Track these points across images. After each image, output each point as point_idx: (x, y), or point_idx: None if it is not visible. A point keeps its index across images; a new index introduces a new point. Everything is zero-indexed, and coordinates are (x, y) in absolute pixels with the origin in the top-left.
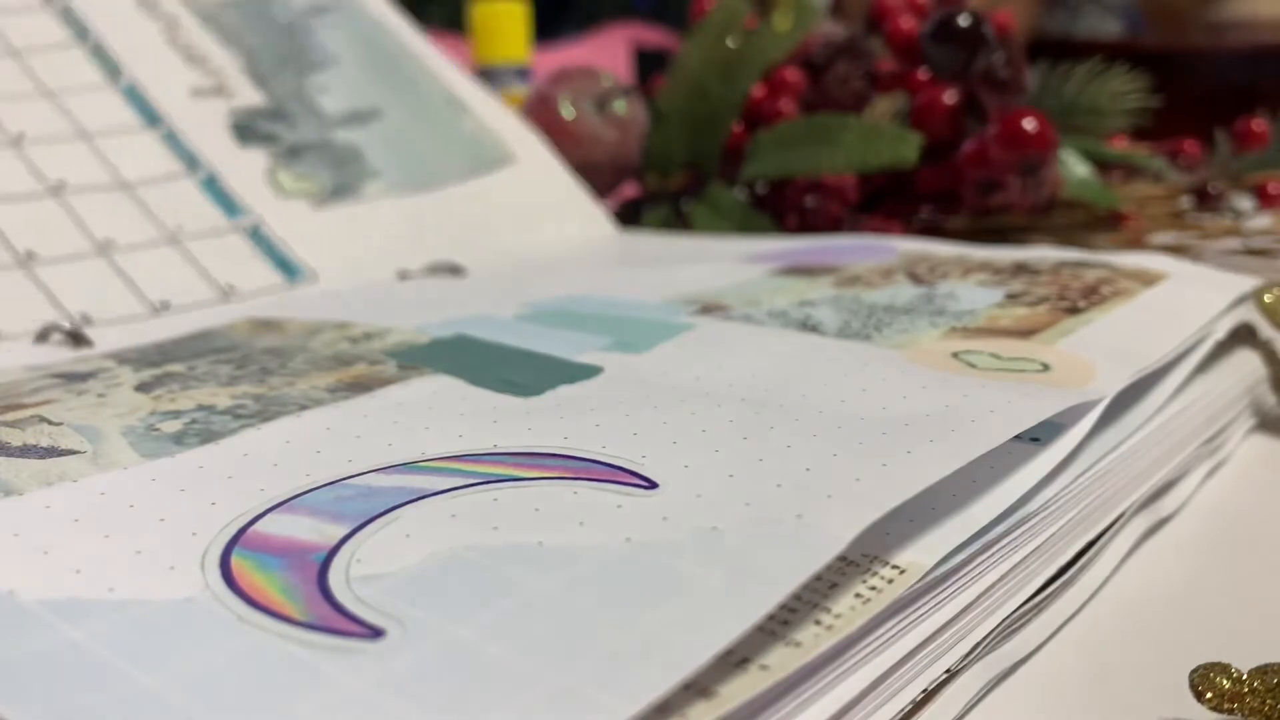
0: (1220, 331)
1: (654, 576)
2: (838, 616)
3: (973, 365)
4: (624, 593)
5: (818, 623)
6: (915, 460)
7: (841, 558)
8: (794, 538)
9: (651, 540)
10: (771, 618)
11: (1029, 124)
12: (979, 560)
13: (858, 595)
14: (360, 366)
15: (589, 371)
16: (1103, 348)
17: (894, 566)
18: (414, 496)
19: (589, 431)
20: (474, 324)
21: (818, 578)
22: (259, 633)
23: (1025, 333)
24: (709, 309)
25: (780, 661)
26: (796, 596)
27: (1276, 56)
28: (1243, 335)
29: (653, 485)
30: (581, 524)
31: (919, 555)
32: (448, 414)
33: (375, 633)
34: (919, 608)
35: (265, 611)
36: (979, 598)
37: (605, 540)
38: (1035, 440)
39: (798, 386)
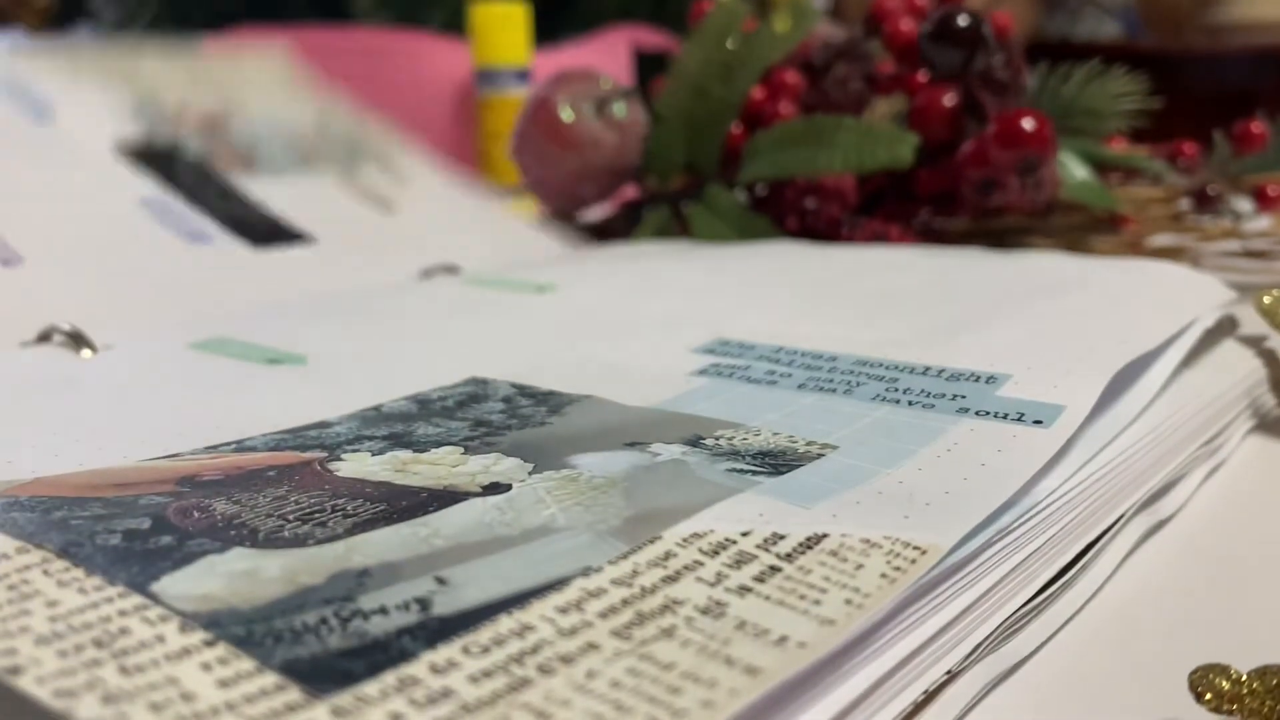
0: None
1: None
2: (866, 596)
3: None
4: None
5: (848, 602)
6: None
7: (864, 539)
8: None
9: None
10: (802, 597)
11: (1027, 123)
12: (980, 560)
13: (883, 575)
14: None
15: None
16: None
17: (915, 547)
18: None
19: None
20: None
21: (843, 559)
22: None
23: None
24: None
25: (818, 638)
26: (825, 577)
27: (1275, 59)
28: (1242, 337)
29: None
30: None
31: (937, 537)
32: None
33: None
34: (920, 608)
35: None
36: (980, 598)
37: None
38: (1039, 423)
39: None
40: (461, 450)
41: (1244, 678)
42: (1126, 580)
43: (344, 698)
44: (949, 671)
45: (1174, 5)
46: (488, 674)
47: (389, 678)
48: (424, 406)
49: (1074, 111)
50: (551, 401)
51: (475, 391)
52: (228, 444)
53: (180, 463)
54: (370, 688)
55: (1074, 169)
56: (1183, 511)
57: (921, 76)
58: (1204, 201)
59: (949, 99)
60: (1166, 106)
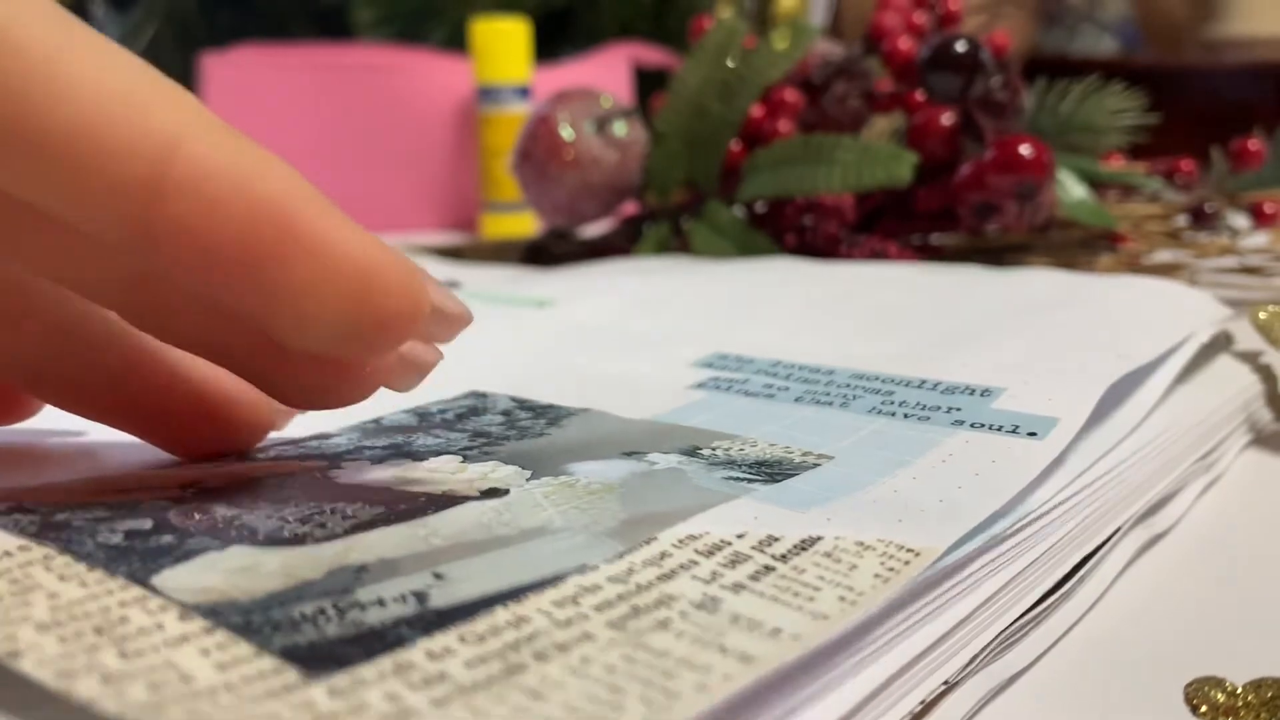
0: (1204, 335)
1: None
2: (860, 594)
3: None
4: None
5: (842, 599)
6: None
7: (859, 541)
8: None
9: None
10: (796, 595)
11: (1025, 150)
12: (976, 568)
13: (877, 575)
14: None
15: None
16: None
17: (909, 550)
18: None
19: None
20: None
21: (837, 560)
22: None
23: None
24: None
25: (810, 631)
26: (819, 577)
27: (1273, 74)
28: (1238, 352)
29: None
30: None
31: (931, 541)
32: None
33: None
34: (916, 614)
35: None
36: (977, 610)
37: None
38: (1033, 435)
39: None
40: (460, 459)
41: (1239, 690)
42: (1123, 593)
43: (341, 679)
44: (946, 682)
45: (1172, 20)
46: (483, 660)
47: (385, 662)
48: (424, 419)
49: (1071, 128)
50: (550, 414)
51: (475, 404)
52: (229, 454)
53: (183, 471)
54: (367, 671)
55: (1071, 187)
56: (1179, 525)
57: (920, 95)
58: (1201, 218)
59: (947, 118)
60: (1164, 122)
